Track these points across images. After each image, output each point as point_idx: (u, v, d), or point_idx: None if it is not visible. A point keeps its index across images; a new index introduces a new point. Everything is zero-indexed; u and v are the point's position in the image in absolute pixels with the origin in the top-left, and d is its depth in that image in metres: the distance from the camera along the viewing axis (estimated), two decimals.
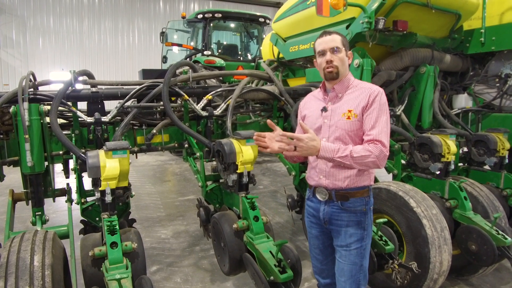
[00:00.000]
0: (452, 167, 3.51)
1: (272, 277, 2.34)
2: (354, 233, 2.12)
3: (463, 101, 4.42)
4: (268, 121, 2.14)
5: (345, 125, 2.09)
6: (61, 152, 3.37)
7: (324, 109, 2.19)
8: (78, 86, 3.42)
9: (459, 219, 3.30)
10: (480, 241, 3.06)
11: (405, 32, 3.55)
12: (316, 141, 1.97)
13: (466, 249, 3.20)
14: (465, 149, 4.24)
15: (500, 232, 3.07)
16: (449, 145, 3.45)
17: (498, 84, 4.22)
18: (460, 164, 4.32)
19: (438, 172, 3.50)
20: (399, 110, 3.99)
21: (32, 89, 3.20)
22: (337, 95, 2.17)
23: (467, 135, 4.14)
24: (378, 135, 2.00)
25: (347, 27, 3.44)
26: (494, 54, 4.25)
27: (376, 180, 3.38)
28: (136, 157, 3.88)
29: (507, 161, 3.98)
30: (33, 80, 3.31)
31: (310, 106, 2.32)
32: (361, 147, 1.99)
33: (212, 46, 9.71)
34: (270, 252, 2.48)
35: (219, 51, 10.23)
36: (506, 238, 3.01)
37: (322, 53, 2.14)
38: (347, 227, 2.13)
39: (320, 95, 2.27)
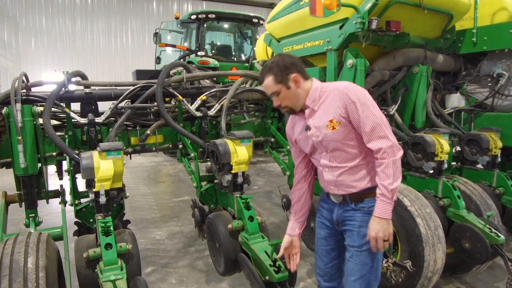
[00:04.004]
0: (445, 166, 3.53)
1: (267, 277, 2.34)
2: (367, 234, 2.05)
3: (455, 100, 4.45)
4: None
5: (334, 135, 2.01)
6: (54, 154, 3.35)
7: (308, 128, 2.12)
8: (71, 87, 3.40)
9: (453, 218, 3.33)
10: (474, 239, 3.09)
11: (398, 32, 3.57)
12: (379, 223, 1.93)
13: (459, 247, 3.23)
14: (458, 148, 4.27)
15: (493, 230, 3.09)
16: (442, 144, 3.48)
17: (490, 84, 4.25)
18: (453, 163, 4.35)
19: (431, 171, 3.52)
20: (392, 109, 4.01)
21: (24, 90, 3.17)
22: (313, 109, 2.08)
23: (460, 134, 4.17)
24: (376, 131, 1.92)
25: (341, 27, 3.45)
26: (486, 54, 4.28)
27: None
28: (130, 158, 3.87)
29: (499, 159, 4.02)
30: (25, 81, 3.29)
31: (296, 128, 2.26)
32: (379, 169, 1.93)
33: (205, 47, 9.68)
34: (265, 252, 2.48)
35: (213, 51, 10.21)
36: (499, 236, 3.03)
37: None
38: (360, 228, 2.07)
39: (300, 114, 2.19)
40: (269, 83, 2.07)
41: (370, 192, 2.06)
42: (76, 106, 3.51)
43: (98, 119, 3.32)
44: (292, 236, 2.31)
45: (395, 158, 1.91)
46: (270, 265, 2.35)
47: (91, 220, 2.99)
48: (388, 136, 1.93)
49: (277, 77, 2.04)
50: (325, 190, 2.25)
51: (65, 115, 3.37)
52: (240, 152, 2.91)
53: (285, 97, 2.08)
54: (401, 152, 1.95)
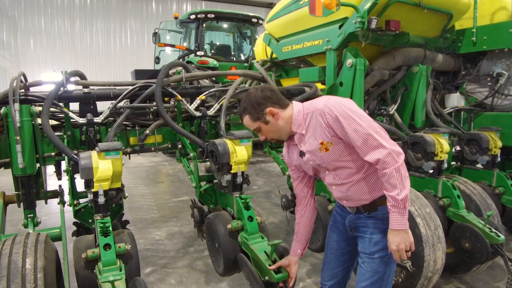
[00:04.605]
0: (445, 165, 3.53)
1: (267, 277, 2.33)
2: (379, 241, 2.02)
3: (455, 100, 4.45)
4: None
5: (330, 156, 1.97)
6: (53, 154, 3.33)
7: (302, 154, 2.09)
8: (70, 87, 3.38)
9: (453, 218, 3.32)
10: (474, 239, 3.08)
11: (397, 31, 3.56)
12: (397, 235, 1.87)
13: (459, 247, 3.22)
14: (458, 148, 4.27)
15: (493, 230, 3.09)
16: (442, 144, 3.47)
17: (489, 83, 4.25)
18: (453, 162, 4.35)
19: (431, 171, 3.52)
20: (392, 109, 4.01)
21: (23, 90, 3.16)
22: (301, 134, 2.04)
23: (460, 134, 4.17)
24: (368, 142, 1.83)
25: (340, 27, 3.44)
26: (485, 54, 4.28)
27: None
28: (129, 158, 3.85)
29: (499, 159, 4.02)
30: (24, 81, 3.27)
31: (292, 154, 2.23)
32: (384, 180, 1.86)
33: (205, 46, 9.70)
34: (265, 252, 2.47)
35: (212, 51, 10.23)
36: (499, 236, 3.03)
37: None
38: (372, 234, 2.05)
39: (292, 140, 2.15)
40: (247, 123, 2.09)
41: (383, 200, 1.98)
42: (75, 106, 3.49)
43: (97, 119, 3.30)
44: (293, 256, 2.31)
45: (396, 166, 1.81)
46: (269, 265, 2.35)
47: (90, 220, 2.98)
48: (383, 143, 1.83)
49: (253, 115, 2.05)
50: (339, 202, 2.24)
51: (63, 115, 3.35)
52: (239, 152, 2.90)
53: (268, 131, 2.09)
54: (402, 156, 1.84)
